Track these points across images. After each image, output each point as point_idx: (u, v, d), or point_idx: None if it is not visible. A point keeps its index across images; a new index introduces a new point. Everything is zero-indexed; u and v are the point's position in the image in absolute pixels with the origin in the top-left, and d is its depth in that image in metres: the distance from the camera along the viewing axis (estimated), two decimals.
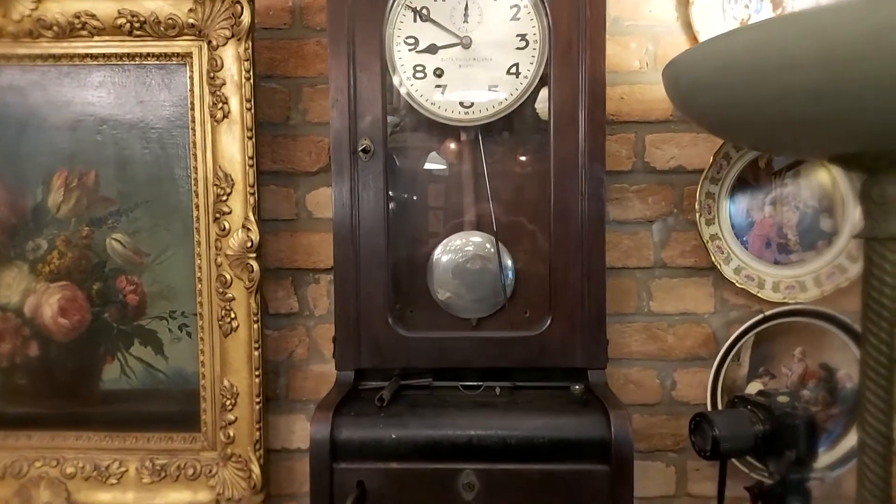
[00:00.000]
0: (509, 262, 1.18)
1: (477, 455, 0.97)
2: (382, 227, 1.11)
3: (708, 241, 1.22)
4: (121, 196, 1.26)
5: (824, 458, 1.24)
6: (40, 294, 1.28)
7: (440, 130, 1.20)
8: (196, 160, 1.22)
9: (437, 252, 1.19)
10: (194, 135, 1.22)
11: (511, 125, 1.20)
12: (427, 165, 1.23)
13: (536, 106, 1.18)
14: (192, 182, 1.23)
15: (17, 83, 1.24)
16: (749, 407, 1.03)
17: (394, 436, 0.98)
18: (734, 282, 1.22)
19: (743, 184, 1.24)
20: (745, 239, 1.24)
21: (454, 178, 1.22)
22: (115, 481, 1.28)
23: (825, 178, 1.23)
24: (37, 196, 1.27)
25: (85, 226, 1.27)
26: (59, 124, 1.25)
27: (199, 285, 1.25)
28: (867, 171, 0.88)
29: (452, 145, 1.21)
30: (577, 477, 0.95)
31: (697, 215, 1.22)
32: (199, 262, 1.24)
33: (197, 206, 1.23)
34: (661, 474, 1.30)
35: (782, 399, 1.01)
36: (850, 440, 1.24)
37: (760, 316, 1.21)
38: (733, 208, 1.24)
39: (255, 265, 1.21)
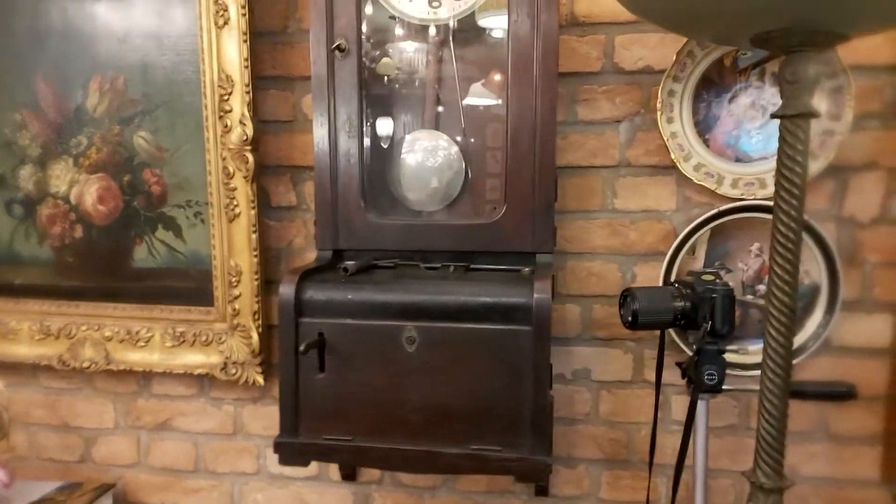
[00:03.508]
0: (462, 165, 1.28)
1: (418, 315, 1.10)
2: (357, 122, 1.23)
3: (668, 139, 1.27)
4: (144, 98, 1.45)
5: None
6: (83, 184, 1.51)
7: (412, 32, 1.30)
8: (204, 64, 1.38)
9: (397, 152, 1.31)
10: (202, 41, 1.38)
11: (478, 31, 1.29)
12: (398, 67, 1.33)
13: None
14: (201, 84, 1.39)
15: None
16: (676, 285, 1.10)
17: (350, 297, 1.13)
18: (693, 178, 1.27)
19: (708, 83, 1.27)
20: (707, 137, 1.28)
21: (423, 81, 1.32)
22: (143, 344, 1.52)
23: None
24: (77, 99, 1.47)
25: (116, 124, 1.47)
26: (93, 35, 1.44)
27: (209, 177, 1.43)
28: (784, 51, 0.92)
29: (424, 46, 1.30)
30: (504, 335, 1.07)
31: (659, 114, 1.27)
32: (208, 156, 1.42)
33: (206, 106, 1.40)
34: (620, 361, 1.39)
35: (707, 277, 1.07)
36: (805, 333, 1.28)
37: (715, 210, 1.26)
38: (698, 107, 1.28)
39: (251, 157, 1.37)
